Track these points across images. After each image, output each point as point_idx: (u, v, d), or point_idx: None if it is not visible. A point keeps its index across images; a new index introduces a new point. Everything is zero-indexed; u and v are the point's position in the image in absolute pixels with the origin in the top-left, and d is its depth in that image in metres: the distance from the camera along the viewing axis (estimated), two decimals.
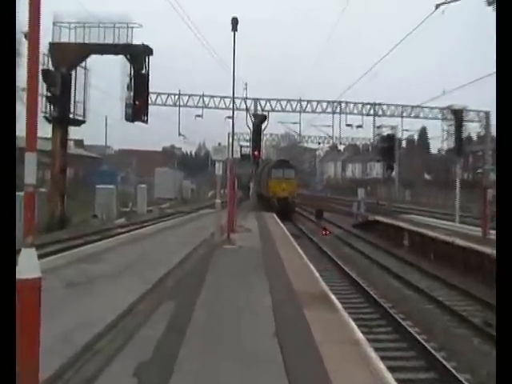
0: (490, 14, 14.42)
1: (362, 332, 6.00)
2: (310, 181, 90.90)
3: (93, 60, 23.66)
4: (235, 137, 44.86)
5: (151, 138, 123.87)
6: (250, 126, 31.53)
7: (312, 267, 10.57)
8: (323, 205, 42.78)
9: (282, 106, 41.43)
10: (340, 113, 41.87)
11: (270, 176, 34.33)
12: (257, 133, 29.77)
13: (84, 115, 24.34)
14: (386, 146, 35.69)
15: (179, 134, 44.57)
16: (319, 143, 64.87)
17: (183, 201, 50.53)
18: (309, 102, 41.60)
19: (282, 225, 22.39)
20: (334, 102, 41.33)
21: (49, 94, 22.14)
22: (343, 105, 41.56)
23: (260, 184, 38.18)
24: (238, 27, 19.31)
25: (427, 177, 68.30)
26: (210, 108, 41.74)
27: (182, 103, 41.04)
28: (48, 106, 22.30)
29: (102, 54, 23.25)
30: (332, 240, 24.05)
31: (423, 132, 70.28)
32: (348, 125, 42.74)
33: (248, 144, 41.50)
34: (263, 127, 30.99)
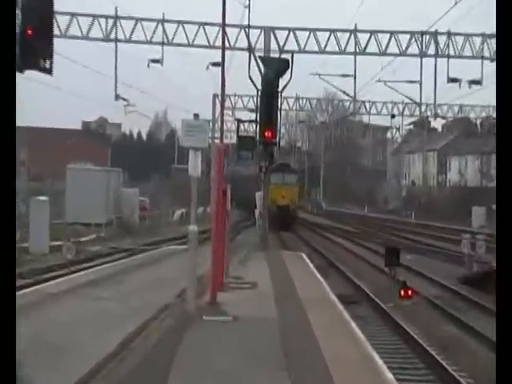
0: None
1: None
2: (374, 188, 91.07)
3: None
4: (227, 103, 44.61)
5: (60, 106, 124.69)
6: (257, 82, 31.42)
7: (380, 362, 10.89)
8: (399, 238, 42.36)
9: (318, 44, 41.59)
10: (436, 55, 41.88)
11: (269, 181, 48.24)
12: (270, 95, 29.63)
13: None
14: None
15: (116, 98, 44.75)
16: (393, 116, 65.28)
17: (124, 228, 50.58)
18: (373, 33, 41.67)
19: (319, 277, 22.62)
20: (422, 33, 41.35)
21: None
22: (442, 39, 41.53)
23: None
24: None
25: None
26: (178, 45, 41.92)
27: (122, 36, 41.23)
28: None
29: None
30: (419, 308, 24.02)
31: None
32: (453, 79, 42.81)
33: (252, 117, 41.52)
34: (282, 85, 30.81)
